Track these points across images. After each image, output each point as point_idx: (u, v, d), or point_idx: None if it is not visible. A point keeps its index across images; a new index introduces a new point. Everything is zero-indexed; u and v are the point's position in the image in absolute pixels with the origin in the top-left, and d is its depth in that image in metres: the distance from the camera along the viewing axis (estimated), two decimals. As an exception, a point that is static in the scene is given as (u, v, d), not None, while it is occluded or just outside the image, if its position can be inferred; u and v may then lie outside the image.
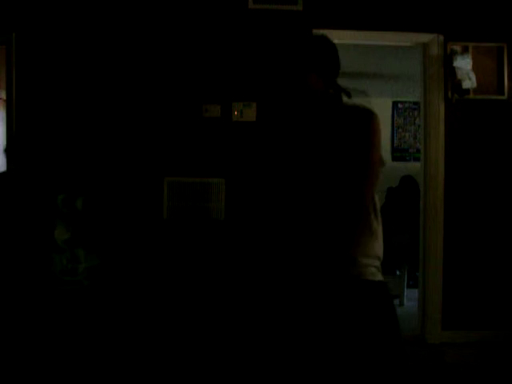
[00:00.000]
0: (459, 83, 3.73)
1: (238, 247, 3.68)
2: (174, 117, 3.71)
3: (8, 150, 3.50)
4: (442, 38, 3.80)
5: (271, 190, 2.01)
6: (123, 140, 3.68)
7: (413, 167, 6.24)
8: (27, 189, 3.36)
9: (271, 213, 1.98)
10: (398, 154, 6.77)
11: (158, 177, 3.69)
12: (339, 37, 3.78)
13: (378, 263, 1.87)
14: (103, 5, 3.65)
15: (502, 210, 3.87)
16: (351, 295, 1.79)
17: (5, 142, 3.67)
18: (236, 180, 3.71)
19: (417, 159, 5.96)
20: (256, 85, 3.67)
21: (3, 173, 3.47)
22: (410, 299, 4.93)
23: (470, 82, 3.72)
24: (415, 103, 6.57)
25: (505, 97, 3.85)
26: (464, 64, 3.74)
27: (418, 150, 5.21)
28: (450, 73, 3.78)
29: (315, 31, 3.72)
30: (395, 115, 6.78)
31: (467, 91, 3.78)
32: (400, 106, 6.76)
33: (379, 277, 1.85)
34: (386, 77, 5.79)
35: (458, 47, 3.80)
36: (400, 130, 6.78)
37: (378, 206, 1.92)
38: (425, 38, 3.81)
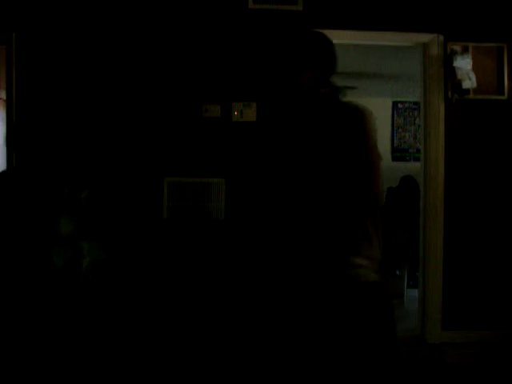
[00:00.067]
0: (459, 83, 3.73)
1: (237, 247, 3.68)
2: (174, 117, 3.71)
3: (8, 147, 3.50)
4: (441, 37, 3.80)
5: (268, 191, 2.00)
6: (123, 140, 3.68)
7: (413, 167, 6.25)
8: (31, 183, 3.38)
9: (267, 214, 1.97)
10: (398, 153, 6.77)
11: (158, 177, 3.69)
12: (339, 37, 3.78)
13: (375, 264, 1.85)
14: (103, 5, 3.65)
15: (502, 210, 3.87)
16: (347, 297, 1.78)
17: (5, 139, 3.68)
18: (236, 180, 3.71)
19: (417, 159, 5.97)
20: (256, 85, 3.67)
21: (7, 169, 3.48)
22: (410, 299, 4.93)
23: (469, 82, 3.72)
24: (415, 103, 6.57)
25: (505, 97, 3.85)
26: (464, 64, 3.74)
27: (418, 150, 5.21)
28: (450, 73, 3.78)
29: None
30: (395, 115, 6.78)
31: (467, 91, 3.78)
32: (400, 105, 6.76)
33: (376, 278, 1.83)
34: (385, 77, 5.79)
35: (457, 47, 3.80)
36: (400, 129, 6.78)
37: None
38: (425, 37, 3.81)
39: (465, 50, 3.80)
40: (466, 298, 3.83)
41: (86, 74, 3.65)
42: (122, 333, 3.42)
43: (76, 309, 3.16)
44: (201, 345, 3.47)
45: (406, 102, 6.72)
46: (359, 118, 1.80)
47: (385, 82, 6.03)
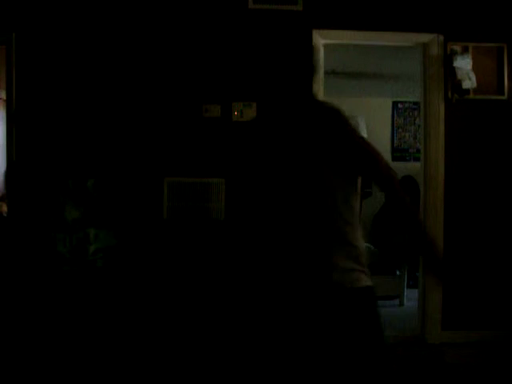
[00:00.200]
0: (459, 83, 3.73)
1: (237, 247, 3.68)
2: (174, 117, 3.71)
3: (8, 148, 3.52)
4: (442, 38, 3.80)
5: (249, 197, 1.98)
6: (123, 140, 3.67)
7: (413, 167, 6.24)
8: (37, 172, 3.41)
9: (258, 216, 1.95)
10: (398, 154, 6.77)
11: (158, 177, 3.69)
12: (339, 37, 3.80)
13: (361, 266, 1.82)
14: (103, 5, 3.65)
15: (502, 210, 3.87)
16: (334, 304, 1.77)
17: (5, 141, 3.70)
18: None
19: (417, 159, 5.97)
20: (256, 85, 3.67)
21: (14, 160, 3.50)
22: (410, 299, 4.93)
23: (469, 82, 3.72)
24: (415, 103, 6.56)
25: (505, 97, 3.85)
26: (464, 64, 3.74)
27: (418, 150, 5.21)
28: (450, 73, 3.78)
29: (315, 31, 3.73)
30: (395, 115, 6.77)
31: (467, 91, 3.78)
32: (400, 106, 6.76)
33: (364, 281, 1.80)
34: (385, 77, 5.79)
35: (458, 47, 3.80)
36: (400, 129, 6.78)
37: (357, 205, 1.87)
38: (425, 38, 3.81)
39: (465, 50, 3.80)
40: (465, 298, 3.83)
41: (86, 73, 3.65)
42: (121, 329, 3.42)
43: (80, 296, 3.19)
44: (199, 344, 3.47)
45: (406, 101, 6.71)
46: (337, 118, 1.79)
47: (385, 82, 6.02)
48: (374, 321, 1.79)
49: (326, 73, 4.02)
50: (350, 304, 1.75)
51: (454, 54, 3.77)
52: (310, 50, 3.69)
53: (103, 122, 3.67)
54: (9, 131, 3.64)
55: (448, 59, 3.78)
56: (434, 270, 1.75)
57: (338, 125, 1.78)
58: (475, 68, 3.76)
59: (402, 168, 6.30)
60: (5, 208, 4.12)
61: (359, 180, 1.88)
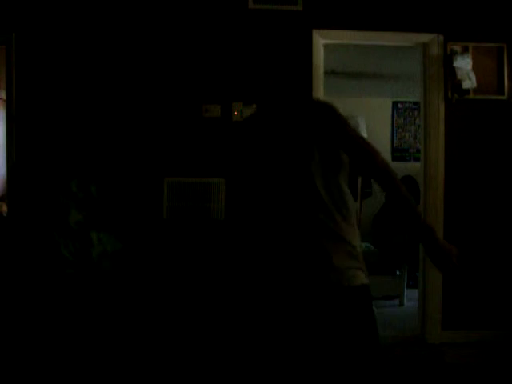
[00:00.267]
0: (459, 83, 3.73)
1: (235, 246, 3.68)
2: (174, 117, 3.71)
3: (8, 148, 3.52)
4: (442, 38, 3.80)
5: (244, 195, 1.98)
6: (123, 140, 3.67)
7: (413, 167, 6.25)
8: (39, 176, 3.42)
9: (256, 215, 1.95)
10: (398, 154, 6.76)
11: (158, 177, 3.69)
12: (339, 37, 3.80)
13: (358, 263, 1.81)
14: (103, 5, 3.65)
15: (502, 210, 3.87)
16: (330, 302, 1.77)
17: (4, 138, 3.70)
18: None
19: (417, 159, 5.97)
20: (256, 85, 3.67)
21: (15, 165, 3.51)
22: (410, 299, 4.93)
23: (469, 82, 3.72)
24: (415, 103, 6.57)
25: (505, 97, 3.85)
26: (464, 64, 3.74)
27: (418, 150, 5.21)
28: (450, 73, 3.78)
29: (315, 31, 3.73)
30: (395, 115, 6.77)
31: (467, 91, 3.78)
32: (400, 106, 6.76)
33: (360, 279, 1.80)
34: (385, 77, 5.79)
35: (458, 47, 3.80)
36: (400, 129, 6.78)
37: (351, 201, 1.87)
38: (425, 38, 3.81)
39: (465, 50, 3.80)
40: (465, 298, 3.83)
41: (86, 73, 3.65)
42: (124, 330, 3.43)
43: (83, 298, 3.20)
44: (199, 343, 3.47)
45: (405, 102, 6.71)
46: (327, 112, 1.79)
47: (385, 82, 6.02)
48: (368, 319, 1.79)
49: (326, 73, 4.02)
50: (346, 302, 1.76)
51: (453, 54, 3.77)
52: (309, 49, 3.73)
53: (103, 122, 3.67)
54: (9, 131, 3.64)
55: (448, 59, 3.78)
56: (435, 259, 1.75)
57: (332, 119, 1.79)
58: (475, 68, 3.76)
59: (401, 168, 6.30)
60: (5, 208, 4.12)
61: (359, 180, 1.88)
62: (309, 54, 3.71)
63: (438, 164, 3.82)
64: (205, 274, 3.65)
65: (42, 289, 3.48)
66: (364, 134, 6.36)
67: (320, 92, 3.75)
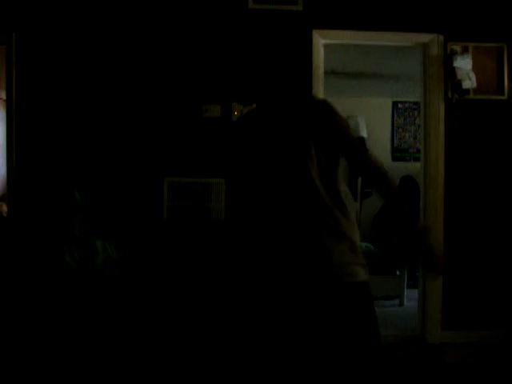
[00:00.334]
0: (459, 83, 3.73)
1: (235, 248, 3.68)
2: (174, 117, 3.71)
3: (8, 148, 3.52)
4: (442, 38, 3.80)
5: (241, 192, 1.99)
6: (123, 140, 3.67)
7: (413, 167, 6.24)
8: (39, 177, 3.42)
9: (246, 214, 1.96)
10: (398, 154, 6.76)
11: (158, 177, 3.69)
12: (339, 37, 3.80)
13: (357, 258, 1.81)
14: (103, 5, 3.65)
15: (502, 210, 3.87)
16: (330, 298, 1.77)
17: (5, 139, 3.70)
18: (236, 180, 3.71)
19: (417, 159, 5.96)
20: (256, 85, 3.66)
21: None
22: (410, 299, 4.93)
23: (469, 82, 3.72)
24: (415, 103, 6.56)
25: (505, 97, 3.85)
26: (464, 64, 3.74)
27: (418, 150, 5.20)
28: (450, 73, 3.78)
29: (315, 31, 3.73)
30: (395, 115, 6.77)
31: (467, 91, 3.78)
32: (400, 106, 6.75)
33: (360, 276, 1.80)
34: (385, 77, 5.79)
35: (458, 47, 3.80)
36: (400, 129, 6.78)
37: (348, 198, 1.87)
38: (425, 38, 3.81)
39: (465, 50, 3.80)
40: (465, 298, 3.83)
41: (86, 73, 3.65)
42: (127, 331, 3.43)
43: (89, 305, 3.21)
44: (199, 344, 3.47)
45: (405, 102, 6.71)
46: (323, 108, 1.80)
47: (385, 82, 6.02)
48: (369, 315, 1.79)
49: (326, 73, 4.02)
50: (347, 299, 1.76)
51: (453, 53, 3.77)
52: (309, 49, 3.72)
53: (103, 122, 3.67)
54: (9, 131, 3.64)
55: (448, 59, 3.78)
56: (426, 259, 1.76)
57: (326, 115, 1.79)
58: (475, 68, 3.76)
59: (401, 168, 6.31)
60: (5, 208, 4.12)
61: (359, 180, 1.89)
62: (309, 53, 3.71)
63: (438, 164, 3.82)
64: (205, 274, 3.65)
65: (44, 291, 3.48)
66: (364, 134, 6.36)
67: (320, 92, 3.75)
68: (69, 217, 3.41)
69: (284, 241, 1.82)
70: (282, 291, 1.84)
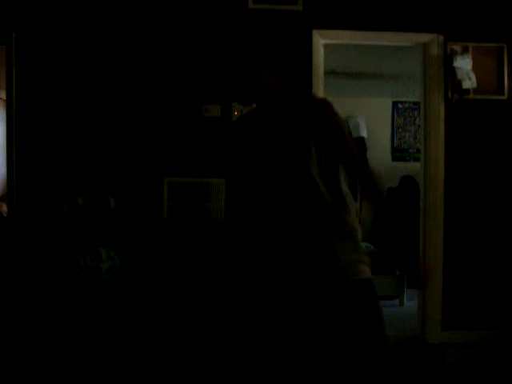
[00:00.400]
0: (459, 83, 3.73)
1: (237, 247, 3.68)
2: (174, 117, 3.71)
3: (8, 148, 3.52)
4: (442, 38, 3.80)
5: (242, 191, 1.99)
6: (123, 140, 3.67)
7: (413, 167, 6.24)
8: (41, 185, 3.43)
9: (250, 213, 1.96)
10: (398, 154, 6.76)
11: (158, 177, 3.69)
12: (339, 37, 3.80)
13: (363, 256, 1.82)
14: (103, 5, 3.65)
15: (502, 210, 3.87)
16: (335, 297, 1.77)
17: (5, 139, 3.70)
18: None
19: (417, 159, 5.96)
20: (256, 84, 3.66)
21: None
22: (410, 299, 4.93)
23: (470, 82, 3.72)
24: (415, 103, 6.56)
25: (505, 97, 3.85)
26: (464, 64, 3.74)
27: (418, 150, 5.21)
28: (450, 73, 3.78)
29: (315, 31, 3.73)
30: (395, 115, 6.77)
31: (467, 91, 3.78)
32: (400, 106, 6.75)
33: (365, 273, 1.81)
34: (385, 77, 5.79)
35: (458, 47, 3.80)
36: (400, 129, 6.77)
37: (349, 197, 1.88)
38: (425, 38, 3.81)
39: (465, 50, 3.80)
40: (465, 298, 3.83)
41: (86, 74, 3.66)
42: (129, 333, 3.44)
43: (90, 305, 3.22)
44: (199, 344, 3.47)
45: (405, 102, 6.71)
46: (323, 109, 1.80)
47: (385, 82, 6.02)
48: (374, 313, 1.79)
49: (326, 73, 4.02)
50: (352, 296, 1.76)
51: (454, 53, 3.77)
52: (309, 49, 3.72)
53: (103, 122, 3.67)
54: (9, 131, 3.64)
55: (448, 59, 3.78)
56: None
57: (325, 116, 1.79)
58: (475, 68, 3.76)
59: (401, 168, 6.31)
60: (5, 208, 4.12)
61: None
62: (309, 53, 3.71)
63: (437, 164, 3.82)
64: (205, 274, 3.65)
65: (45, 293, 3.49)
66: (364, 134, 6.36)
67: (320, 92, 3.75)
68: (70, 219, 3.42)
69: (286, 239, 1.82)
70: (287, 290, 1.85)
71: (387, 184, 5.85)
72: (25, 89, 3.63)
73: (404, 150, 6.77)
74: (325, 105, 1.81)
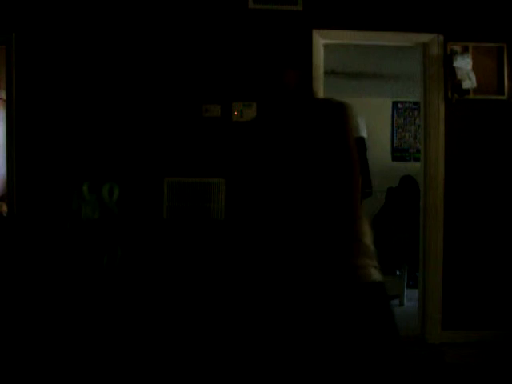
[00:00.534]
0: (459, 83, 3.73)
1: (237, 247, 3.68)
2: (174, 117, 3.71)
3: (8, 148, 3.52)
4: (442, 37, 3.80)
5: (260, 192, 1.99)
6: (123, 140, 3.67)
7: (413, 167, 6.24)
8: (41, 185, 3.44)
9: (262, 214, 1.96)
10: (398, 154, 6.76)
11: (158, 177, 3.69)
12: (339, 37, 3.80)
13: (373, 261, 1.82)
14: (103, 5, 3.65)
15: (502, 210, 3.87)
16: (347, 299, 1.77)
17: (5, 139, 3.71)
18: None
19: (417, 159, 5.96)
20: (256, 85, 3.67)
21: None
22: (410, 299, 4.93)
23: (469, 82, 3.72)
24: (415, 103, 6.57)
25: (505, 97, 3.85)
26: (464, 64, 3.74)
27: (418, 150, 5.21)
28: (450, 73, 3.78)
29: (315, 31, 3.73)
30: (395, 115, 6.77)
31: (467, 91, 3.78)
32: (400, 106, 6.76)
33: (375, 276, 1.81)
34: (385, 77, 5.79)
35: (458, 47, 3.80)
36: (400, 129, 6.78)
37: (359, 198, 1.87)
38: (425, 38, 3.81)
39: (465, 50, 3.80)
40: (465, 298, 3.83)
41: (86, 73, 3.65)
42: (128, 331, 3.44)
43: (92, 305, 3.25)
44: (199, 344, 3.47)
45: (406, 102, 6.71)
46: (341, 112, 1.79)
47: (385, 82, 6.02)
48: (385, 316, 1.78)
49: (326, 73, 4.02)
50: (362, 299, 1.76)
51: (454, 53, 3.77)
52: (310, 49, 3.72)
53: (103, 123, 3.67)
54: (9, 131, 3.65)
55: (448, 59, 3.78)
56: None
57: (339, 121, 1.78)
58: (475, 68, 3.76)
59: (401, 168, 6.31)
60: (5, 208, 4.13)
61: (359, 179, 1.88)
62: (309, 54, 3.71)
63: (438, 164, 3.82)
64: (205, 274, 3.65)
65: (46, 291, 3.49)
66: (364, 134, 6.36)
67: (320, 92, 3.75)
68: (73, 210, 3.44)
69: (295, 243, 1.82)
70: (294, 293, 1.84)
71: (387, 184, 5.86)
72: (25, 89, 3.63)
73: (404, 150, 6.77)
74: (347, 112, 1.81)
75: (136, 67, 3.68)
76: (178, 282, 3.65)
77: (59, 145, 3.66)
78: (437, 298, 3.81)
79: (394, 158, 6.71)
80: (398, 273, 5.11)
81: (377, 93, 6.42)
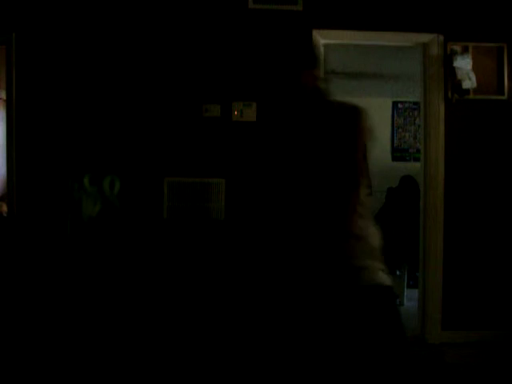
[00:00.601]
0: (459, 83, 3.73)
1: (238, 247, 3.68)
2: (174, 117, 3.71)
3: (8, 148, 3.53)
4: (441, 37, 3.80)
5: (267, 192, 2.00)
6: (123, 140, 3.67)
7: (413, 167, 6.24)
8: (41, 185, 3.45)
9: (267, 215, 1.97)
10: (398, 154, 6.76)
11: (158, 177, 3.69)
12: (339, 37, 3.80)
13: (379, 263, 1.82)
14: (103, 5, 3.65)
15: (502, 210, 3.87)
16: (353, 301, 1.77)
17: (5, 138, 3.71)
18: (236, 180, 3.71)
19: (417, 159, 5.96)
20: (256, 85, 3.67)
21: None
22: (410, 299, 4.92)
23: (469, 82, 3.72)
24: (415, 103, 6.57)
25: (505, 97, 3.85)
26: (464, 64, 3.74)
27: (418, 150, 5.21)
28: (450, 73, 3.78)
29: (315, 31, 3.73)
30: (395, 115, 6.77)
31: (467, 91, 3.78)
32: (400, 106, 6.76)
33: (381, 280, 1.80)
34: (385, 77, 5.79)
35: (458, 47, 3.80)
36: (400, 129, 6.78)
37: (368, 203, 1.87)
38: (425, 38, 3.81)
39: (465, 50, 3.80)
40: (465, 298, 3.83)
41: (86, 73, 3.65)
42: (127, 332, 3.44)
43: (91, 306, 3.26)
44: (200, 344, 3.47)
45: (405, 102, 6.71)
46: (355, 116, 1.80)
47: (385, 82, 6.02)
48: (391, 318, 1.78)
49: (326, 73, 4.02)
50: (369, 301, 1.76)
51: (454, 54, 3.77)
52: (310, 49, 3.72)
53: (103, 123, 3.67)
54: (9, 131, 3.65)
55: (448, 59, 3.78)
56: None
57: (353, 124, 1.79)
58: (475, 68, 3.76)
59: (401, 168, 6.30)
60: (5, 208, 4.13)
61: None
62: (309, 53, 3.70)
63: (437, 164, 3.82)
64: (205, 274, 3.65)
65: (44, 291, 3.49)
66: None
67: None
68: (75, 205, 3.45)
69: (305, 244, 1.82)
70: (303, 293, 1.84)
71: (387, 184, 5.85)
72: (25, 89, 3.63)
73: (404, 150, 6.77)
74: (360, 115, 1.82)
75: (136, 67, 3.68)
76: (178, 281, 3.65)
77: (59, 144, 3.66)
78: (437, 298, 3.81)
79: (394, 158, 6.71)
80: (398, 273, 5.10)
81: (377, 93, 6.41)
